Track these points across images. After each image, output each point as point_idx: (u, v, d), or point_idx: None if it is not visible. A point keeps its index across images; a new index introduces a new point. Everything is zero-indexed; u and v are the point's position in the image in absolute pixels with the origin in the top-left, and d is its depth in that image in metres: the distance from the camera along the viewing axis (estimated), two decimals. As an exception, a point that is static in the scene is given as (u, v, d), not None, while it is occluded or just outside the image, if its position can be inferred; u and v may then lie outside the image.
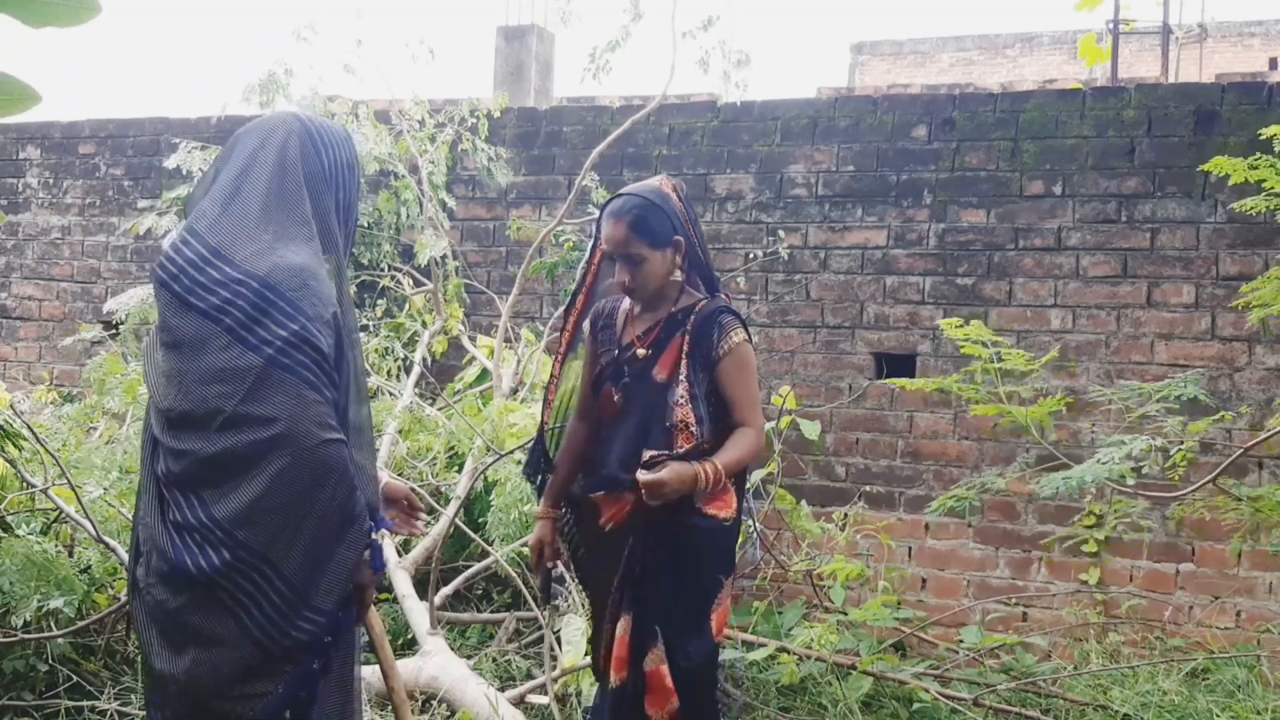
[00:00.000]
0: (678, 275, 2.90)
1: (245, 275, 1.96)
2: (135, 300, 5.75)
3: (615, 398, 2.91)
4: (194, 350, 1.95)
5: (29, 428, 4.05)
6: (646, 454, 2.72)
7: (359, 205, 2.30)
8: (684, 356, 2.83)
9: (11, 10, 1.78)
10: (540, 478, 3.12)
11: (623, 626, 2.84)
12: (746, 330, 2.90)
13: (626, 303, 2.99)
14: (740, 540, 3.09)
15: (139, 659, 3.93)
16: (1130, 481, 3.54)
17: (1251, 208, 3.66)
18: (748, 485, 3.20)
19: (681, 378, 2.82)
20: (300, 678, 2.01)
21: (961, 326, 3.84)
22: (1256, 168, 3.56)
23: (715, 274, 3.01)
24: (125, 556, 3.84)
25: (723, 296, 2.96)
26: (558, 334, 3.10)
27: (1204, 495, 3.94)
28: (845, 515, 4.88)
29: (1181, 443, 3.62)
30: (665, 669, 2.79)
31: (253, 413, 1.90)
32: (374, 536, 2.08)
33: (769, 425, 4.81)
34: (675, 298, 2.93)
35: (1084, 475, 3.41)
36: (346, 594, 2.04)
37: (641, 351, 2.89)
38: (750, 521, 4.51)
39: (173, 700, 2.06)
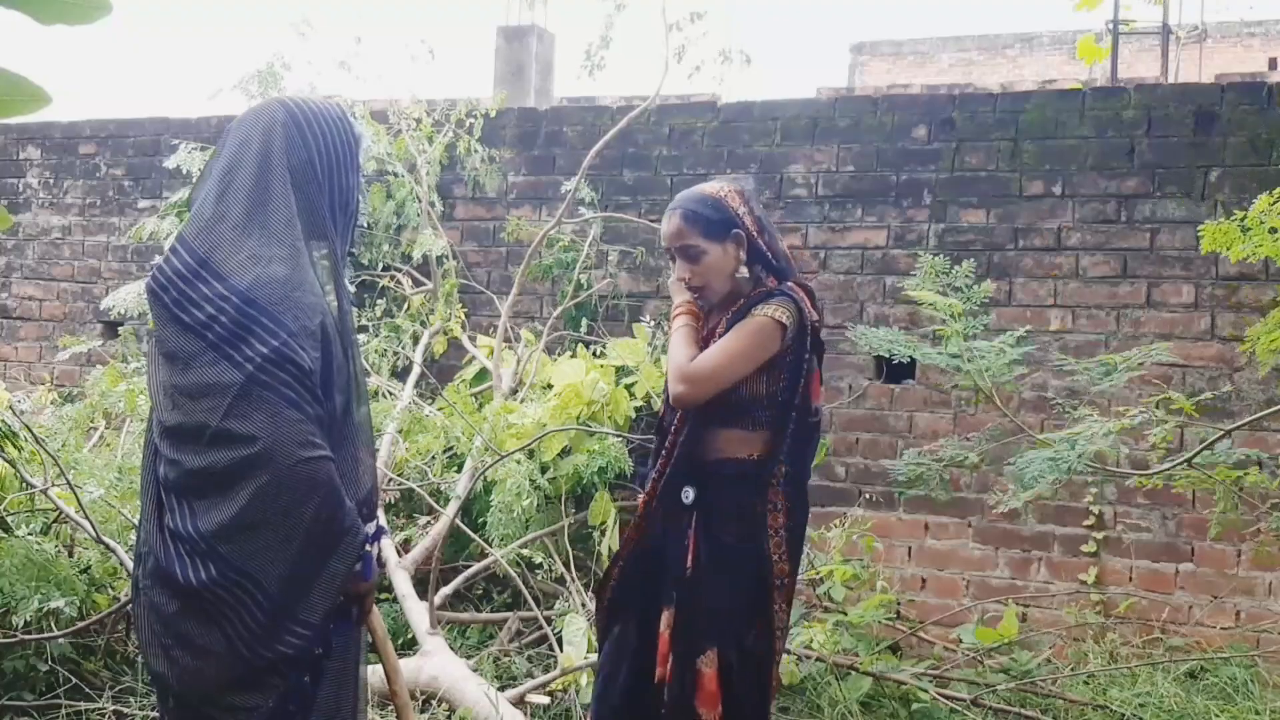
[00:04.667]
0: (743, 270, 2.83)
1: (229, 290, 1.94)
2: (133, 296, 5.74)
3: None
4: (183, 364, 1.95)
5: (28, 428, 4.05)
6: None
7: (359, 186, 2.23)
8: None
9: (23, 7, 1.79)
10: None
11: (665, 621, 2.78)
12: (795, 313, 2.74)
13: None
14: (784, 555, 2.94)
15: (140, 659, 3.94)
16: (1113, 465, 3.47)
17: (1249, 255, 3.56)
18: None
19: None
20: (290, 691, 2.00)
21: (923, 289, 3.75)
22: (1249, 230, 3.47)
23: (788, 264, 2.88)
24: (125, 557, 3.85)
25: (790, 284, 2.82)
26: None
27: (1183, 479, 3.84)
28: (845, 516, 4.88)
29: (1165, 422, 3.56)
30: (714, 673, 2.71)
31: (234, 430, 1.89)
32: (368, 548, 2.06)
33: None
34: (748, 293, 2.84)
35: (1064, 456, 3.33)
36: (336, 605, 2.03)
37: None
38: None
39: (170, 704, 2.06)
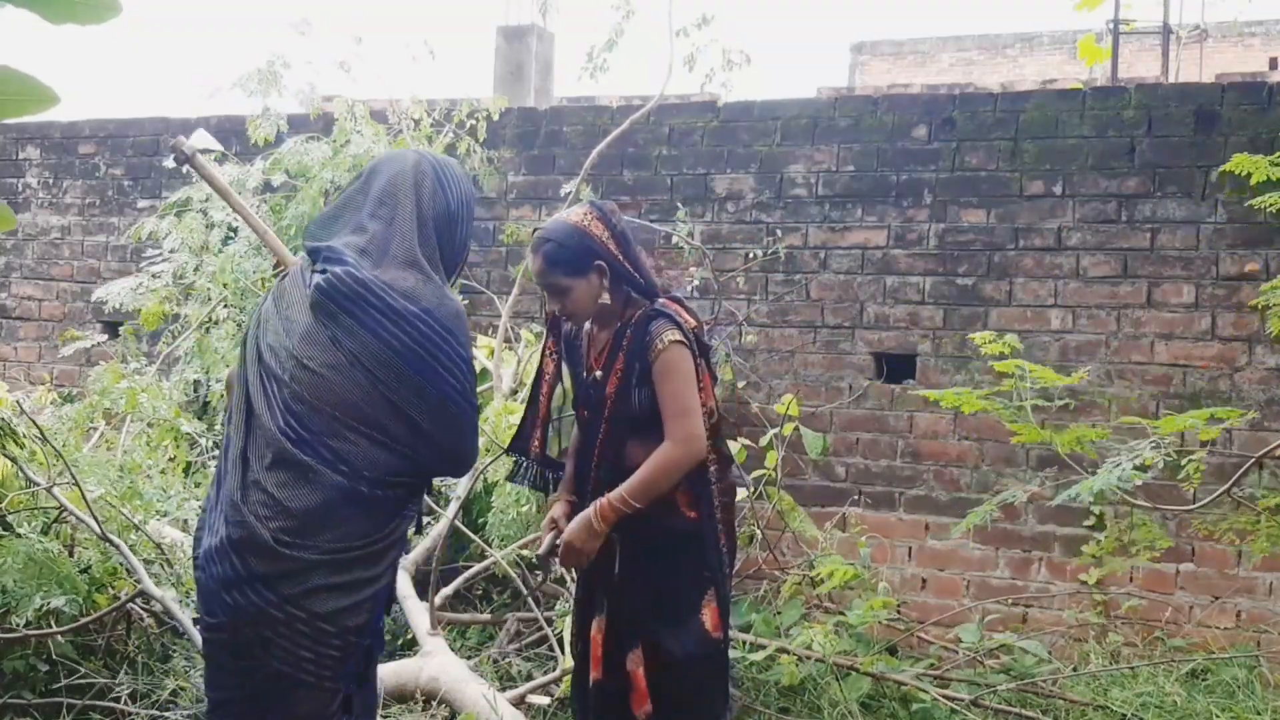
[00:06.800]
0: (605, 298, 2.90)
1: (423, 311, 2.30)
2: (126, 289, 5.72)
3: (584, 416, 2.99)
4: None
5: (34, 424, 4.06)
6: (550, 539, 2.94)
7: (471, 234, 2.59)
8: (620, 373, 2.87)
9: (33, 7, 1.79)
10: (526, 468, 3.19)
11: (597, 626, 2.91)
12: (680, 329, 2.85)
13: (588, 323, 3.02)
14: (720, 542, 3.04)
15: (150, 658, 3.94)
16: (1138, 482, 3.52)
17: (1271, 203, 3.69)
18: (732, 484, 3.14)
19: (618, 395, 2.86)
20: (400, 521, 2.40)
21: (994, 341, 3.84)
22: (1278, 164, 3.60)
23: (650, 281, 2.97)
24: (129, 554, 3.89)
25: (662, 301, 2.94)
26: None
27: (1218, 508, 3.97)
28: (844, 517, 4.88)
29: (1193, 451, 3.64)
30: (642, 672, 2.82)
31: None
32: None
33: (772, 431, 4.82)
34: (622, 312, 2.94)
35: (1094, 485, 3.41)
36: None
37: (599, 373, 2.94)
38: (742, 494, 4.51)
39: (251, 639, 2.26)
